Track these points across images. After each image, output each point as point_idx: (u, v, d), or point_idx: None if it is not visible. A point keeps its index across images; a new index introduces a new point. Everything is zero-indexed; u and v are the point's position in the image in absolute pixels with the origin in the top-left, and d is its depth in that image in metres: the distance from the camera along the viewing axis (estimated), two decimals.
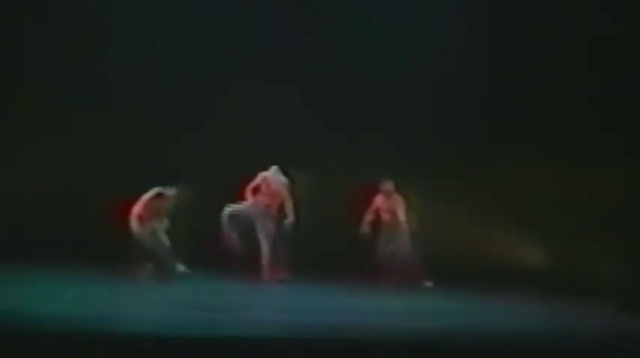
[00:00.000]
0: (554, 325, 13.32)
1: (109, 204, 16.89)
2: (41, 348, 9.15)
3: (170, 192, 15.92)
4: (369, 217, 16.22)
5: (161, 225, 15.68)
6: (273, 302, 14.24)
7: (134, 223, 15.60)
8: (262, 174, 15.95)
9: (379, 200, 16.31)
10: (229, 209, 15.65)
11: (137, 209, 15.68)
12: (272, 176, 15.93)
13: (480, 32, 17.28)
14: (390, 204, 16.16)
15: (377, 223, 16.34)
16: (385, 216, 16.14)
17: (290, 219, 15.63)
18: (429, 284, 15.89)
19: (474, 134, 17.45)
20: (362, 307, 13.71)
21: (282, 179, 15.95)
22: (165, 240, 15.59)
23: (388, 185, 16.28)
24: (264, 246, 15.52)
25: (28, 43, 17.17)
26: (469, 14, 17.37)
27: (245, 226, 15.64)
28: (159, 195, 15.80)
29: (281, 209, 15.83)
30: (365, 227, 16.23)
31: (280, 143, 17.01)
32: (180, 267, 15.54)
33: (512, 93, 17.35)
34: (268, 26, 17.67)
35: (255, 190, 15.93)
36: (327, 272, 15.36)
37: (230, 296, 13.95)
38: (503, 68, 17.30)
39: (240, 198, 15.90)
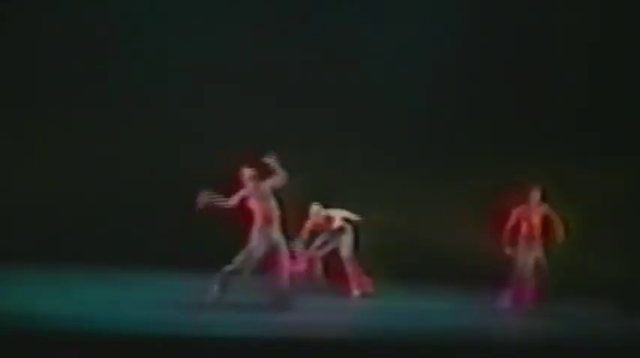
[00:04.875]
0: (554, 325, 13.34)
1: (109, 205, 17.03)
2: (41, 348, 9.14)
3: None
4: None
5: None
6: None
7: None
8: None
9: (522, 210, 14.42)
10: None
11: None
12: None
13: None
14: (534, 215, 14.34)
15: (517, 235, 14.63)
16: (525, 228, 14.39)
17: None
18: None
19: (469, 133, 17.51)
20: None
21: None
22: None
23: (535, 193, 14.43)
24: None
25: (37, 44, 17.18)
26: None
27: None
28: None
29: None
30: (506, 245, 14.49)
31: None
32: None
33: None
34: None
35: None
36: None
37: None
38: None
39: None
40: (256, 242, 12.90)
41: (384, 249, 16.77)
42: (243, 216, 13.21)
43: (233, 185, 16.83)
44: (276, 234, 12.98)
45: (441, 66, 17.44)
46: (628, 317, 14.04)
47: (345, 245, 15.43)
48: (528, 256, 14.44)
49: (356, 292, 15.06)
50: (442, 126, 17.68)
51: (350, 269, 15.28)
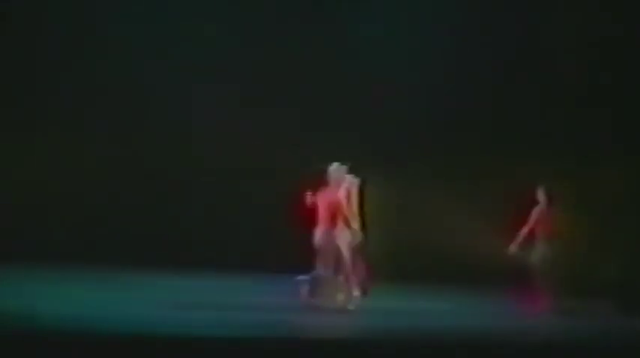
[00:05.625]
0: (555, 325, 13.33)
1: (109, 205, 17.04)
2: (41, 348, 9.14)
3: None
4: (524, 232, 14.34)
5: None
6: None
7: None
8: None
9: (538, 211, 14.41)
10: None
11: None
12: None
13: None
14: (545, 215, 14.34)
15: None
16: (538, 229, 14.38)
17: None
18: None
19: (469, 133, 17.51)
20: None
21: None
22: None
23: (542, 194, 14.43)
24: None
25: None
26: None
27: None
28: None
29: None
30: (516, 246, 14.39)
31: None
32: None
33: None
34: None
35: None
36: None
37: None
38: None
39: None
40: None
41: (383, 249, 16.78)
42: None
43: (232, 184, 17.00)
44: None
45: (442, 66, 17.45)
46: (628, 317, 14.05)
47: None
48: (539, 257, 14.45)
49: (356, 292, 14.98)
50: (442, 126, 17.68)
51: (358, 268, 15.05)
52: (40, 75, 17.12)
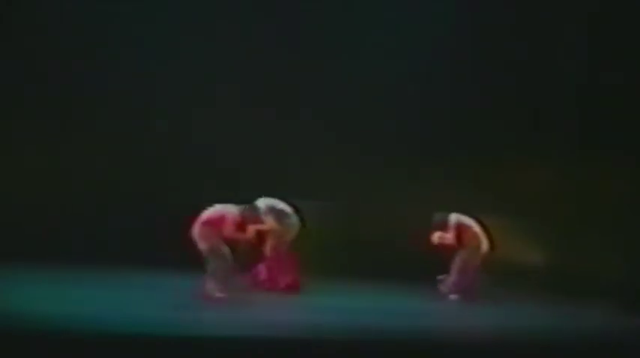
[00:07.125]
0: (554, 325, 13.34)
1: (109, 205, 17.04)
2: (41, 348, 9.14)
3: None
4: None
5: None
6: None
7: None
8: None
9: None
10: None
11: None
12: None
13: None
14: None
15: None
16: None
17: None
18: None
19: (470, 131, 17.52)
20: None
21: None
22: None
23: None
24: None
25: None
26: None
27: None
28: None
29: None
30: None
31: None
32: None
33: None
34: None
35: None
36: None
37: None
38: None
39: None
40: None
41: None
42: None
43: (233, 184, 16.98)
44: None
45: (438, 65, 17.46)
46: (628, 317, 14.05)
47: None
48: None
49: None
50: (441, 125, 17.68)
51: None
52: (40, 75, 17.11)
